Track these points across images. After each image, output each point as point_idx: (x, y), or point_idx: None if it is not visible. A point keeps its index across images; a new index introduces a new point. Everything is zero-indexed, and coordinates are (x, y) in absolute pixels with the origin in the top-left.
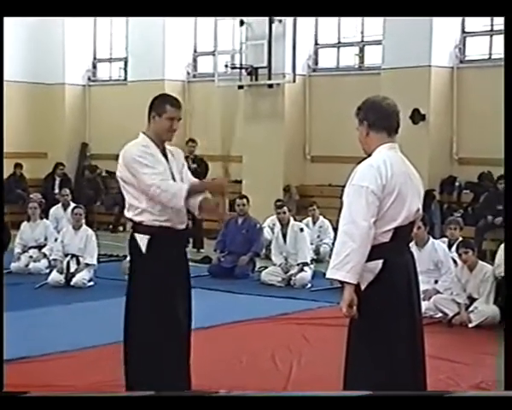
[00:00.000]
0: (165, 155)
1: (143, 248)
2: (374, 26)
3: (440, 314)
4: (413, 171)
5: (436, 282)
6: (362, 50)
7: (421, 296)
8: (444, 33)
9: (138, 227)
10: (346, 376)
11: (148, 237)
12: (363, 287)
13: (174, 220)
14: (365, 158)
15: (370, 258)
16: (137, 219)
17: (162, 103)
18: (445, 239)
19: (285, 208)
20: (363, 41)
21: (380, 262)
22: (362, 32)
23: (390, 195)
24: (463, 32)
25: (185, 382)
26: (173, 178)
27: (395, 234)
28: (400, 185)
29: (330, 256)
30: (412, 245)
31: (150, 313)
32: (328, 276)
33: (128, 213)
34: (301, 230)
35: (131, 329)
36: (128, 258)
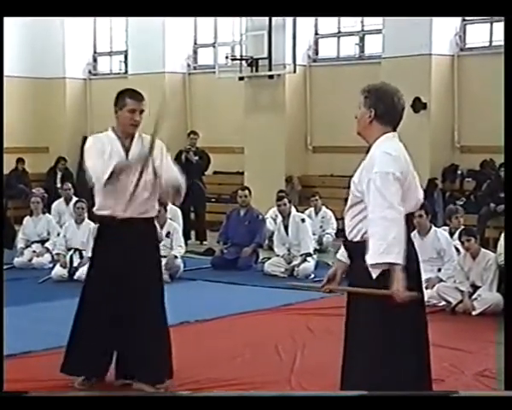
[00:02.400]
0: (126, 148)
1: (94, 236)
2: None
3: (443, 303)
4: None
5: (439, 270)
6: (362, 40)
7: (425, 285)
8: (444, 21)
9: (92, 216)
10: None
11: (97, 225)
12: (374, 276)
13: (114, 209)
14: (369, 148)
15: None
16: (93, 208)
17: (122, 97)
18: (446, 227)
19: (285, 200)
20: (363, 30)
21: None
22: (362, 22)
23: (405, 181)
24: (463, 19)
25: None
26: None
27: (405, 222)
28: (410, 174)
29: (333, 246)
30: (415, 234)
31: (84, 296)
32: (376, 261)
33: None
34: (303, 220)
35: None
36: None
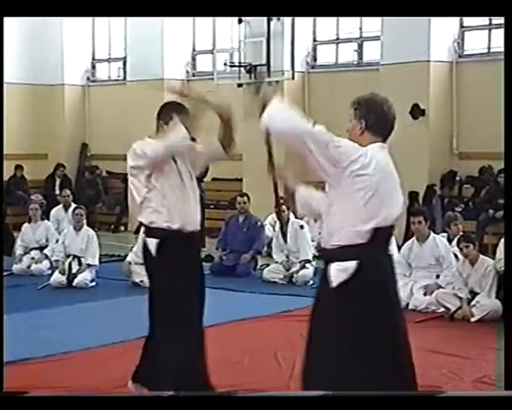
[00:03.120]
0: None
1: (153, 252)
2: (372, 21)
3: (442, 309)
4: (396, 177)
5: (438, 277)
6: (360, 46)
7: (423, 291)
8: (442, 28)
9: (149, 231)
10: (313, 375)
11: (157, 240)
12: (334, 284)
13: (183, 222)
14: None
15: (346, 258)
16: (147, 220)
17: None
18: (445, 234)
19: (283, 207)
20: (361, 37)
21: (354, 263)
22: (360, 28)
23: (370, 188)
24: (462, 26)
25: (202, 380)
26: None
27: (374, 236)
28: (381, 184)
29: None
30: (413, 240)
31: (167, 314)
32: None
33: (140, 217)
34: (301, 227)
35: (153, 329)
36: (128, 258)
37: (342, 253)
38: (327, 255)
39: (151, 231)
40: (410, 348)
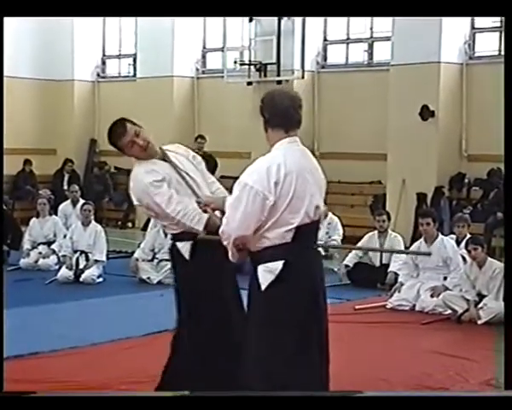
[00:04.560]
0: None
1: (186, 255)
2: (383, 22)
3: (449, 311)
4: (315, 165)
5: (445, 278)
6: (371, 46)
7: (430, 293)
8: (453, 29)
9: (179, 236)
10: (246, 373)
11: (190, 243)
12: (263, 287)
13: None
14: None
15: (271, 258)
16: (178, 231)
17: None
18: (453, 236)
19: None
20: (372, 37)
21: (280, 263)
22: (371, 29)
23: (285, 195)
24: (473, 28)
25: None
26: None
27: (296, 234)
28: (297, 183)
29: (339, 252)
30: (421, 241)
31: (205, 318)
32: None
33: (168, 231)
34: None
35: (186, 335)
36: (135, 255)
37: (268, 254)
38: (254, 258)
39: (181, 235)
40: (328, 347)
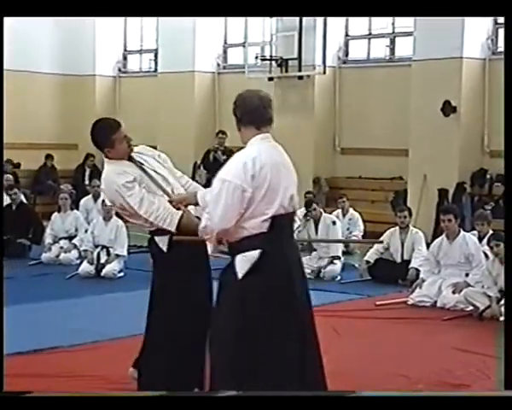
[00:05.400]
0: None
1: (164, 248)
2: (405, 17)
3: (471, 307)
4: (287, 159)
5: (467, 275)
6: (393, 42)
7: (452, 289)
8: (476, 25)
9: (155, 232)
10: (218, 364)
11: (167, 236)
12: (240, 275)
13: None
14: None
15: (248, 248)
16: (153, 228)
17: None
18: (475, 232)
19: (314, 205)
20: (393, 32)
21: (257, 252)
22: (393, 24)
23: (261, 186)
24: (496, 23)
25: (200, 379)
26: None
27: (272, 224)
28: (271, 176)
29: (359, 248)
30: (443, 238)
31: (176, 309)
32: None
33: (144, 228)
34: (334, 223)
35: (157, 325)
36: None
37: (245, 244)
38: (232, 248)
39: (157, 231)
40: (315, 340)
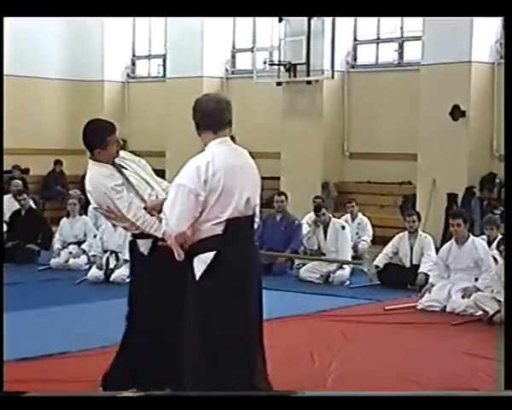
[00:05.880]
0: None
1: (145, 252)
2: (413, 21)
3: (480, 312)
4: (248, 162)
5: (476, 280)
6: (401, 46)
7: (461, 294)
8: (484, 28)
9: (139, 235)
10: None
11: (150, 240)
12: (197, 277)
13: None
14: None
15: (204, 250)
16: (138, 232)
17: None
18: (484, 236)
19: (323, 210)
20: (402, 37)
21: (212, 254)
22: (401, 28)
23: (214, 191)
24: (505, 27)
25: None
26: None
27: (228, 226)
28: (225, 180)
29: (369, 253)
30: (452, 242)
31: (154, 313)
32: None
33: (128, 231)
34: (343, 228)
35: (134, 329)
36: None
37: (201, 246)
38: (190, 251)
39: (141, 234)
40: (261, 340)
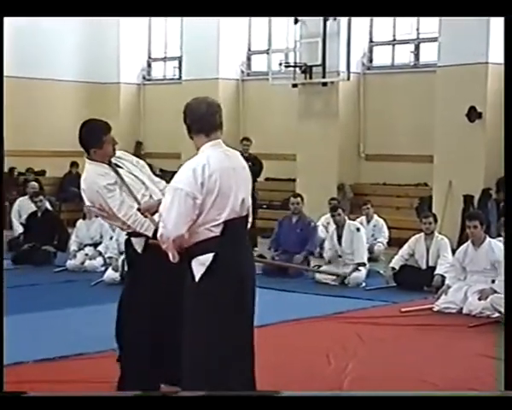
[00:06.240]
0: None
1: (139, 250)
2: (429, 22)
3: (497, 314)
4: (240, 164)
5: (493, 281)
6: (417, 48)
7: (478, 296)
8: (501, 29)
9: (132, 233)
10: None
11: (144, 238)
12: (197, 279)
13: None
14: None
15: (202, 252)
16: (130, 230)
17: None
18: (501, 238)
19: (339, 210)
20: (418, 38)
21: (210, 255)
22: (417, 29)
23: (211, 193)
24: None
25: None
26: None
27: (225, 228)
28: (222, 181)
29: (384, 255)
30: (468, 244)
31: (148, 309)
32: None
33: (121, 230)
34: (358, 229)
35: (130, 324)
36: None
37: (200, 248)
38: (188, 253)
39: (134, 233)
40: (252, 340)
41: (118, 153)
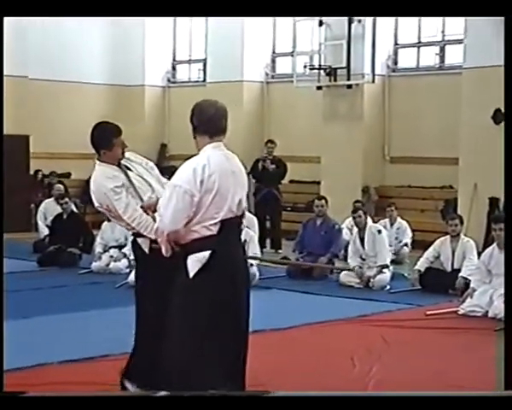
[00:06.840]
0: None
1: (146, 249)
2: (455, 24)
3: None
4: (238, 167)
5: None
6: (442, 50)
7: (503, 299)
8: None
9: (138, 233)
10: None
11: (148, 240)
12: (191, 275)
13: None
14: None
15: (199, 249)
16: (135, 231)
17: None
18: None
19: (360, 212)
20: (443, 40)
21: (207, 253)
22: (442, 32)
23: (210, 192)
24: None
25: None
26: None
27: (222, 227)
28: (220, 182)
29: (409, 257)
30: (494, 247)
31: (156, 308)
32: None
33: (127, 230)
34: (379, 232)
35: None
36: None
37: (196, 245)
38: (184, 250)
39: (139, 233)
40: (247, 338)
41: (127, 154)
